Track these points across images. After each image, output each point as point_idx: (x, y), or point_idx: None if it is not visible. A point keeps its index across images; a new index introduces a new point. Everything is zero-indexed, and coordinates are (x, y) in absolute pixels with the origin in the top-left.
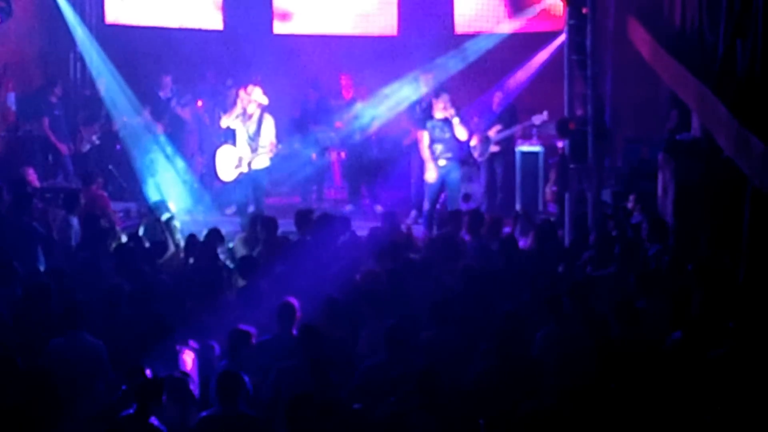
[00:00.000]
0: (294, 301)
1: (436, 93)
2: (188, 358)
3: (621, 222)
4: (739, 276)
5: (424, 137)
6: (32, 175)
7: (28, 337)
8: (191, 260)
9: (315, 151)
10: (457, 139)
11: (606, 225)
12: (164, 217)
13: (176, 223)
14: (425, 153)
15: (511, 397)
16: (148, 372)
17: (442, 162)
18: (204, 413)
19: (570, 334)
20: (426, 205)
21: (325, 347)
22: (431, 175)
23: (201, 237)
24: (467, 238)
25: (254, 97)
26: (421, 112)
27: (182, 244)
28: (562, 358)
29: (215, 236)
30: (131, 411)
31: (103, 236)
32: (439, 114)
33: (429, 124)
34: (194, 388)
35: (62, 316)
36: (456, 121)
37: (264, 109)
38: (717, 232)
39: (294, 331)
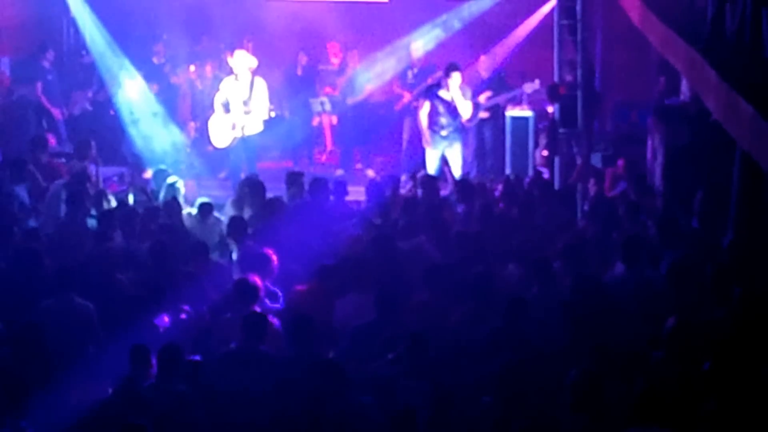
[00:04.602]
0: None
1: (447, 71)
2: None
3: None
4: (726, 240)
5: (425, 107)
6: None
7: (18, 299)
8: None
9: (306, 117)
10: (458, 113)
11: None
12: (169, 180)
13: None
14: (423, 122)
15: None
16: None
17: (444, 133)
18: (224, 350)
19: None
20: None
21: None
22: (430, 145)
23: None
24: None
25: (240, 60)
26: (429, 86)
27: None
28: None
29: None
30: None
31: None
32: (449, 92)
33: (437, 95)
34: None
35: (53, 279)
36: (468, 104)
37: (255, 72)
38: (706, 196)
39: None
